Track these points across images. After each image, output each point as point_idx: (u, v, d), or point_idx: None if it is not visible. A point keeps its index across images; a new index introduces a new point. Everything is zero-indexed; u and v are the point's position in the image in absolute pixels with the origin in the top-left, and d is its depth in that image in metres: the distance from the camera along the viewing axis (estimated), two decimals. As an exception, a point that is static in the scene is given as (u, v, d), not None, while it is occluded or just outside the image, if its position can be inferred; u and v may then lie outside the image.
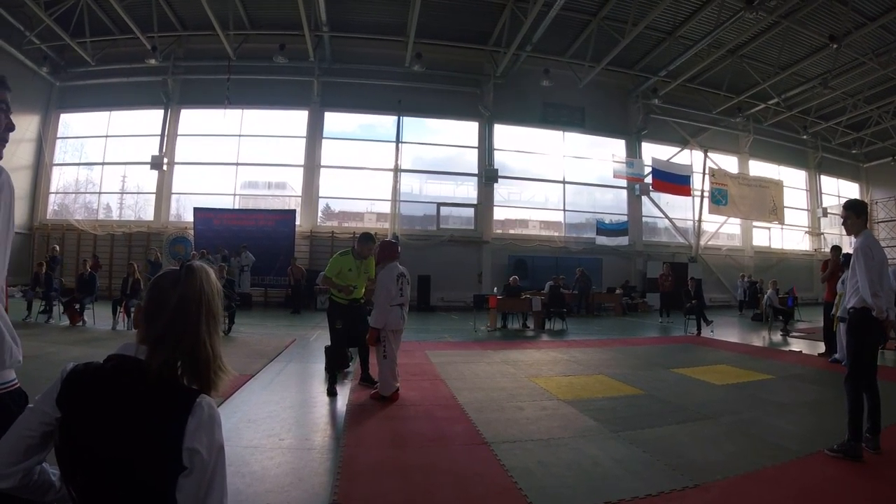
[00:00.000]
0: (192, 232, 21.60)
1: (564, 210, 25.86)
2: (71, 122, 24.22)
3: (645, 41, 22.37)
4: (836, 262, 10.79)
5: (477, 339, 13.44)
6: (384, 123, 24.24)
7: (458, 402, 6.71)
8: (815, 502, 3.95)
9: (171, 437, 1.41)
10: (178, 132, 23.32)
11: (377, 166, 23.81)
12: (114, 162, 23.67)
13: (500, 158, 24.64)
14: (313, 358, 9.38)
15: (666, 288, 18.05)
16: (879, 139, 30.55)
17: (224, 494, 1.50)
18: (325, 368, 7.53)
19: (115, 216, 23.92)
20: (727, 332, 15.95)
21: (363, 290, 7.64)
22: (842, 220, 5.36)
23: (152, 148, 22.69)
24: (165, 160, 22.75)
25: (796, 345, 12.98)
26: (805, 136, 29.87)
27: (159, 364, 1.48)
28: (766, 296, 17.02)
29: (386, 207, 23.59)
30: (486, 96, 23.94)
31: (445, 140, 25.19)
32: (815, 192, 32.41)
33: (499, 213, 25.04)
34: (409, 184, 24.17)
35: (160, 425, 1.42)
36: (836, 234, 30.12)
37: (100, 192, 23.90)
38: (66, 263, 20.03)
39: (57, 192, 23.91)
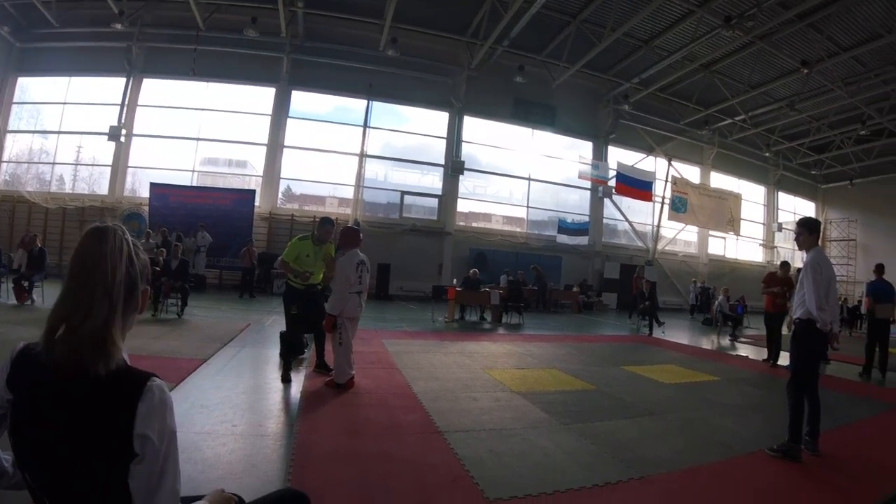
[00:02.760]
0: (146, 208, 20.77)
1: (528, 206, 26.06)
2: (29, 87, 23.02)
3: (621, 47, 22.53)
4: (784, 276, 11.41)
5: (434, 330, 13.46)
6: (353, 106, 23.85)
7: (413, 392, 6.73)
8: (757, 497, 4.14)
9: (121, 423, 1.35)
10: (139, 102, 22.40)
11: (343, 150, 23.47)
12: (70, 131, 22.61)
13: (467, 151, 24.66)
14: (268, 343, 9.26)
15: (640, 289, 18.24)
16: (839, 163, 32.03)
17: (177, 481, 1.44)
18: (280, 354, 7.51)
19: (68, 189, 22.79)
20: (678, 334, 16.40)
21: (321, 275, 7.49)
22: (795, 235, 5.62)
23: (111, 118, 21.73)
24: (124, 131, 21.78)
25: (743, 350, 13.49)
26: (768, 154, 30.74)
27: (55, 343, 1.39)
28: (717, 302, 17.48)
29: (349, 193, 23.33)
30: (458, 87, 23.86)
31: (414, 128, 25.07)
32: (772, 208, 33.65)
33: (463, 206, 25.06)
34: (374, 170, 23.95)
35: (109, 411, 1.36)
36: (788, 249, 31.24)
37: (53, 163, 22.75)
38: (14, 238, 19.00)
39: (9, 161, 22.65)
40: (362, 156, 23.02)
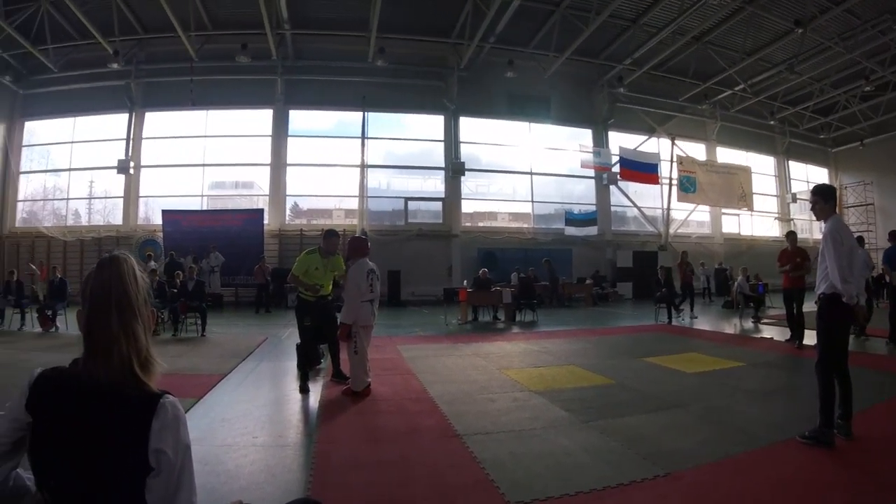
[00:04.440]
0: (161, 234, 21.52)
1: (532, 201, 25.98)
2: (36, 130, 24.05)
3: (609, 30, 22.37)
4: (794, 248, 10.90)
5: (448, 333, 13.44)
6: (350, 119, 24.11)
7: (429, 396, 6.73)
8: (787, 490, 3.92)
9: (137, 440, 1.42)
10: (144, 135, 23.19)
11: (344, 163, 23.79)
12: (80, 168, 23.52)
13: (467, 151, 24.72)
14: (285, 356, 9.37)
15: (688, 278, 17.49)
16: (847, 124, 31.02)
17: (193, 493, 1.50)
18: (297, 366, 7.58)
19: (84, 221, 23.78)
20: (698, 319, 16.06)
21: (330, 286, 7.68)
22: (810, 205, 5.33)
23: (118, 152, 22.56)
24: (132, 164, 22.60)
25: (767, 331, 12.93)
26: (772, 122, 30.06)
27: (101, 366, 1.47)
28: (736, 283, 17.05)
29: (354, 204, 23.59)
30: (450, 89, 23.96)
31: (412, 134, 25.27)
32: (783, 178, 32.65)
33: (467, 206, 25.10)
34: (376, 179, 24.21)
35: (125, 428, 1.43)
36: (805, 220, 30.54)
37: (67, 199, 23.79)
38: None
39: (25, 200, 23.76)
40: (363, 166, 23.27)
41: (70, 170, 23.59)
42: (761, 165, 31.78)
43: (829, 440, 4.65)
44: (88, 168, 23.55)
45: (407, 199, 24.11)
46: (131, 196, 22.87)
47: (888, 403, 6.15)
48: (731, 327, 14.32)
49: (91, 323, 1.51)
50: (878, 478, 4.08)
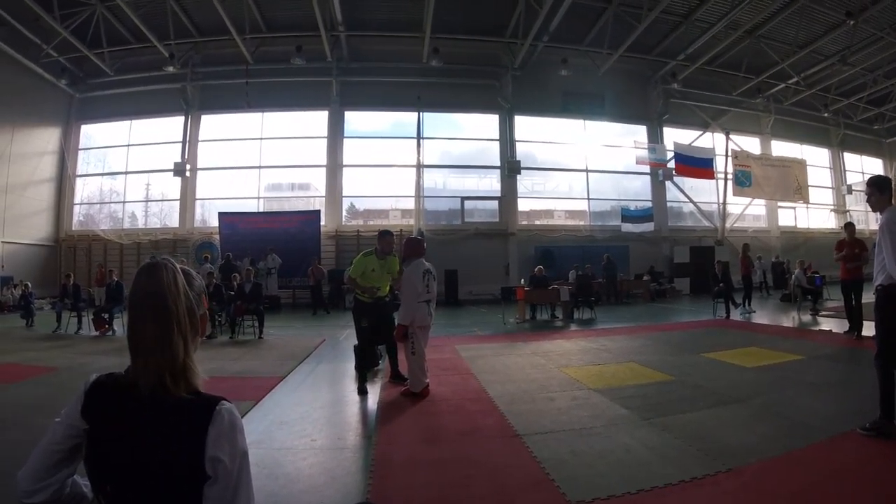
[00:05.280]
0: (217, 237, 21.77)
1: (588, 199, 25.85)
2: (92, 133, 24.61)
3: (661, 26, 22.18)
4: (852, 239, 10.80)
5: (506, 332, 13.37)
6: (405, 120, 24.21)
7: (488, 395, 6.67)
8: (849, 482, 3.88)
9: (193, 447, 1.39)
10: (200, 138, 23.59)
11: (399, 163, 23.90)
12: (137, 171, 23.97)
13: (522, 150, 24.63)
14: (343, 357, 9.31)
15: (748, 271, 17.35)
16: None
17: (251, 500, 1.47)
18: (355, 367, 7.56)
19: (140, 224, 24.27)
20: (757, 314, 15.76)
21: (388, 288, 7.63)
22: (866, 196, 5.21)
23: (174, 155, 22.95)
24: (188, 166, 22.96)
25: (826, 324, 12.81)
26: (826, 114, 29.58)
27: (140, 374, 1.45)
28: (793, 276, 16.82)
29: (410, 204, 23.68)
30: (504, 88, 23.93)
31: (467, 134, 25.33)
32: (838, 170, 32.16)
33: (523, 205, 25.06)
34: (432, 179, 24.26)
35: (180, 435, 1.41)
36: (861, 211, 29.88)
37: (124, 202, 24.26)
38: (92, 274, 20.27)
39: (81, 203, 24.24)
40: (419, 166, 23.32)
41: (126, 173, 24.04)
42: (816, 158, 31.32)
43: (891, 431, 4.61)
44: (145, 171, 23.99)
45: (463, 199, 24.15)
46: (188, 199, 23.23)
47: None
48: (789, 321, 14.11)
49: (131, 331, 1.48)
50: None
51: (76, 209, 24.09)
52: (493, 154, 24.75)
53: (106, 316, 13.48)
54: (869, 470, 4.06)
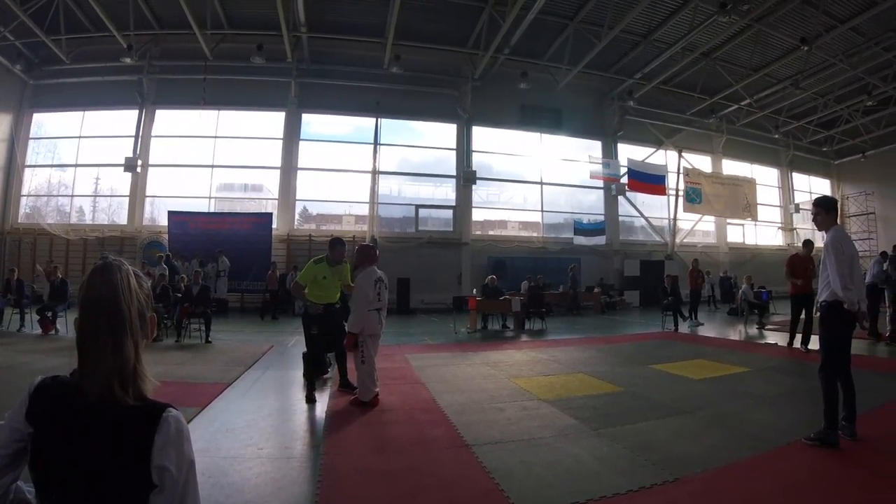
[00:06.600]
0: (166, 236, 21.12)
1: (542, 211, 26.09)
2: (44, 122, 23.54)
3: (621, 44, 22.52)
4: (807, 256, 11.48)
5: (457, 341, 13.42)
6: (363, 125, 24.02)
7: (438, 406, 6.70)
8: (794, 491, 4.03)
9: (139, 455, 1.37)
10: (153, 133, 22.84)
11: (355, 168, 23.69)
12: (87, 164, 23.08)
13: (478, 160, 24.76)
14: (291, 365, 9.24)
15: (697, 285, 17.91)
16: (849, 137, 31.69)
17: None
18: (304, 375, 7.46)
19: (88, 220, 23.30)
20: (704, 326, 16.20)
21: (338, 295, 7.59)
22: (812, 216, 5.53)
23: (126, 149, 22.16)
24: (139, 162, 22.23)
25: (772, 337, 13.25)
26: (777, 136, 30.48)
27: (87, 378, 1.43)
28: (741, 290, 17.34)
29: (364, 210, 23.47)
30: (464, 98, 24.00)
31: (424, 142, 25.28)
32: (787, 189, 33.24)
33: (477, 215, 25.16)
34: (388, 186, 24.16)
35: (126, 443, 1.39)
36: (808, 229, 30.82)
37: (72, 195, 23.27)
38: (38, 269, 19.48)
39: (29, 195, 23.16)
40: (375, 172, 23.22)
41: (76, 165, 23.14)
42: (765, 177, 32.38)
43: (835, 441, 4.82)
44: (95, 165, 23.09)
45: (418, 207, 24.07)
46: (137, 195, 22.49)
47: (891, 405, 6.36)
48: (736, 334, 14.58)
49: (81, 333, 1.46)
50: (883, 477, 4.20)
51: (23, 201, 23.00)
52: (449, 163, 24.79)
53: (49, 314, 12.98)
54: (813, 479, 4.25)
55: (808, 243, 11.80)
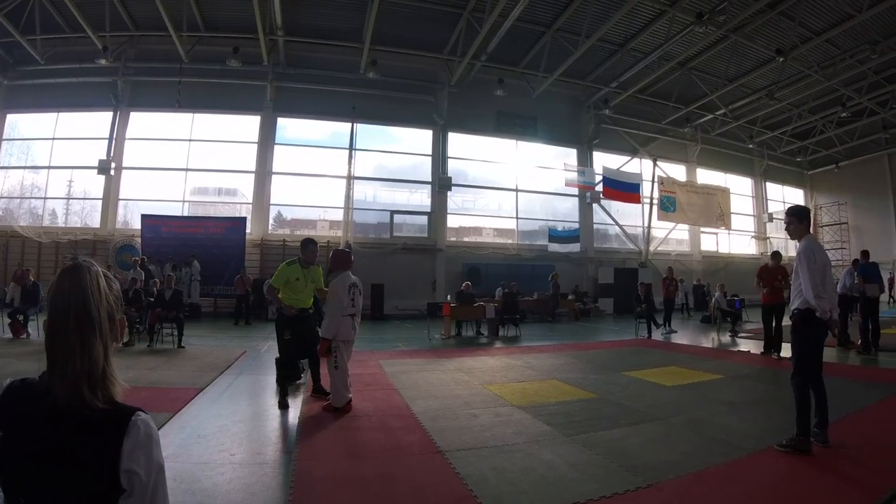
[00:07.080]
0: (139, 239, 20.95)
1: (517, 218, 26.20)
2: (17, 123, 23.19)
3: (597, 53, 22.79)
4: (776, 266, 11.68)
5: (431, 348, 13.39)
6: (339, 130, 23.96)
7: (412, 412, 6.69)
8: (766, 497, 4.08)
9: (107, 460, 1.35)
10: (127, 136, 22.60)
11: (330, 173, 23.63)
12: (60, 166, 22.78)
13: (454, 166, 24.82)
14: (264, 370, 9.18)
15: (671, 293, 18.09)
16: (823, 147, 32.32)
17: None
18: (276, 381, 7.42)
19: (60, 223, 23.01)
20: (678, 334, 16.38)
21: (311, 300, 7.52)
22: (785, 225, 5.57)
23: (100, 152, 21.95)
24: (113, 164, 22.01)
25: (744, 345, 13.36)
26: (751, 145, 31.05)
27: (56, 381, 1.40)
28: (714, 298, 17.47)
29: (339, 215, 23.41)
30: (440, 104, 24.09)
31: (400, 148, 25.32)
32: (760, 199, 33.77)
33: (452, 221, 25.18)
34: (363, 191, 24.11)
35: (95, 447, 1.36)
36: (781, 238, 31.33)
37: (45, 198, 22.95)
38: (8, 273, 19.16)
39: (1, 197, 22.86)
40: (350, 178, 23.15)
41: (49, 167, 22.82)
42: (739, 186, 32.84)
43: (807, 448, 4.89)
44: (68, 167, 22.81)
45: (393, 213, 23.99)
46: (111, 198, 22.22)
47: (863, 412, 6.47)
48: (709, 341, 14.64)
49: (50, 335, 1.43)
50: (856, 482, 4.28)
51: (-5, 202, 22.82)
52: (425, 169, 24.82)
53: (21, 318, 12.81)
54: (785, 485, 4.31)
55: (777, 254, 12.00)
